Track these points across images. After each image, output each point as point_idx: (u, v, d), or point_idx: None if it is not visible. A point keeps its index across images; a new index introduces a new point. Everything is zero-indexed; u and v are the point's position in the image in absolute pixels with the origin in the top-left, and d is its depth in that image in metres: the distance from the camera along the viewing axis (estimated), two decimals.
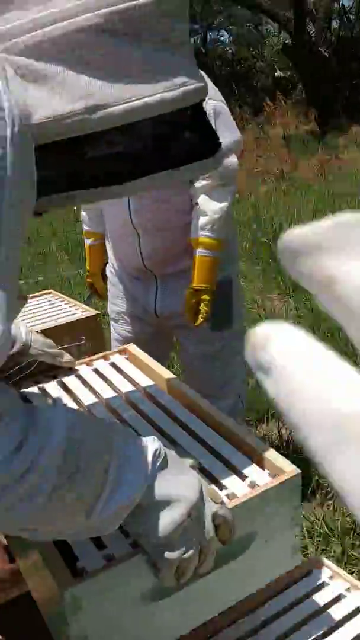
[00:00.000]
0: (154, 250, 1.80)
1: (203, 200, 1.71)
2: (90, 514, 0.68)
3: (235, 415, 2.06)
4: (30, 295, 1.69)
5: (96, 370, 1.16)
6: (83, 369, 1.17)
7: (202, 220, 1.71)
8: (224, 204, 1.71)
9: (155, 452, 0.73)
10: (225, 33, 19.53)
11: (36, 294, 1.77)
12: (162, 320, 1.93)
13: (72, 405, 1.06)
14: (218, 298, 1.83)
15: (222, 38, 19.69)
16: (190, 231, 1.76)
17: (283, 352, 0.21)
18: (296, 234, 0.20)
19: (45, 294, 1.79)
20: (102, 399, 1.07)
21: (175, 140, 0.75)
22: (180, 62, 0.70)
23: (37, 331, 1.42)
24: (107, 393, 1.08)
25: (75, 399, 1.08)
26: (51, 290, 1.83)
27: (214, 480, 0.85)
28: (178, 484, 0.72)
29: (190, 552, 0.71)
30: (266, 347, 0.21)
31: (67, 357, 1.15)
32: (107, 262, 2.02)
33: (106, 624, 0.73)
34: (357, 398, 0.19)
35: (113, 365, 1.17)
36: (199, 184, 1.70)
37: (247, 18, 17.38)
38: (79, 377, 1.15)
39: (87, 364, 1.18)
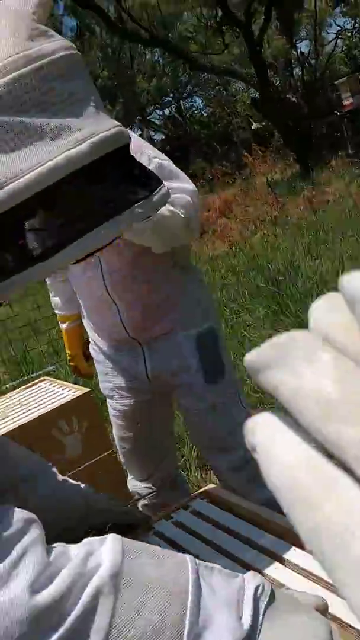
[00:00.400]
0: (136, 318, 1.81)
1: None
2: None
3: (249, 467, 2.06)
4: (24, 386, 1.77)
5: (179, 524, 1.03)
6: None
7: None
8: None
9: (257, 589, 0.56)
10: (198, 99, 20.38)
11: (30, 383, 1.84)
12: (155, 384, 1.96)
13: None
14: (207, 350, 1.85)
15: (195, 104, 20.55)
16: (172, 286, 1.80)
17: (263, 439, 0.27)
18: (250, 356, 0.27)
19: (39, 381, 1.86)
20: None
21: (105, 190, 0.70)
22: (83, 117, 0.68)
23: (32, 418, 1.48)
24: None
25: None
26: (45, 377, 1.90)
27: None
28: (295, 633, 0.53)
29: None
30: (254, 433, 0.27)
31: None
32: (87, 342, 2.02)
33: None
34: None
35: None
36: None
37: (215, 81, 18.17)
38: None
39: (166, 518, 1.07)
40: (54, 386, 1.78)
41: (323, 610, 0.58)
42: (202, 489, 1.16)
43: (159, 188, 0.73)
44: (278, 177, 10.07)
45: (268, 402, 3.15)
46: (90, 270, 1.77)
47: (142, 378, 1.91)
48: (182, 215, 1.61)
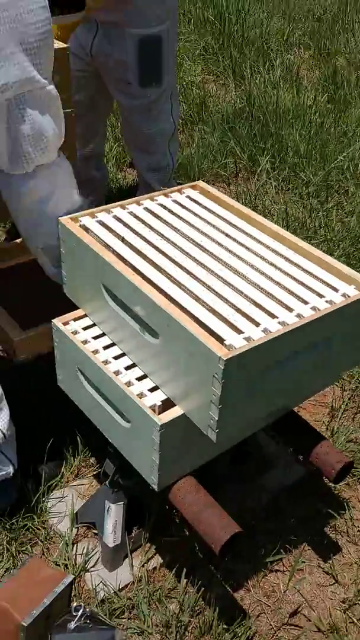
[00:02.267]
0: None
1: None
2: None
3: (165, 171, 2.47)
4: None
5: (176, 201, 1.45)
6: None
7: None
8: None
9: None
10: None
11: None
12: (96, 62, 2.21)
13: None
14: (146, 55, 2.12)
15: None
16: None
17: None
18: None
19: None
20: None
21: None
22: None
23: None
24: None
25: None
26: None
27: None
28: None
29: None
30: None
31: None
32: None
33: None
34: None
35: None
36: None
37: None
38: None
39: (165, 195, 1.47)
40: None
41: None
42: (192, 183, 1.53)
43: None
44: None
45: None
46: None
47: (87, 50, 2.17)
48: None
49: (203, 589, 1.46)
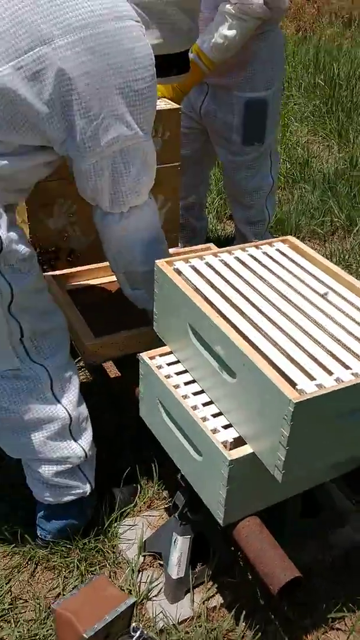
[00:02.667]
0: None
1: (218, 19, 2.06)
2: None
3: (261, 224, 2.59)
4: None
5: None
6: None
7: (207, 35, 2.10)
8: (231, 33, 2.06)
9: None
10: None
11: None
12: (205, 121, 2.39)
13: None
14: (251, 116, 2.26)
15: None
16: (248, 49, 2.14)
17: None
18: None
19: None
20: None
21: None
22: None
23: None
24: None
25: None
26: None
27: None
28: None
29: None
30: None
31: None
32: None
33: None
34: None
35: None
36: (228, 5, 2.04)
37: None
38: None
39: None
40: None
41: None
42: (283, 237, 1.63)
43: None
44: None
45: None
46: None
47: (197, 110, 2.35)
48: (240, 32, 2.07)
49: (260, 634, 1.47)
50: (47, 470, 1.55)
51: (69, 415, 1.53)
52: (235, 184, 2.51)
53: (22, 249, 1.38)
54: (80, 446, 1.56)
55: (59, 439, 1.53)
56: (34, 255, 1.46)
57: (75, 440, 1.56)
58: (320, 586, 1.60)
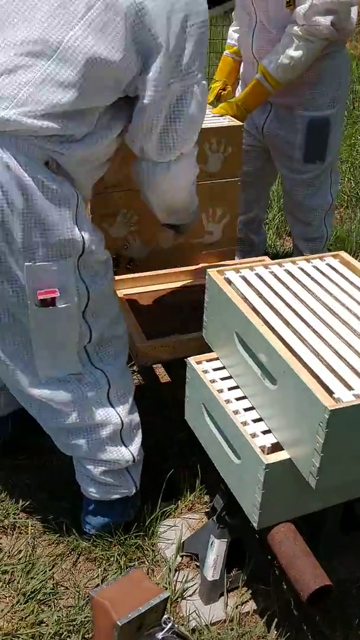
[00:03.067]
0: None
1: (286, 41, 2.10)
2: None
3: (319, 242, 2.61)
4: None
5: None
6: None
7: (274, 55, 2.13)
8: (298, 54, 2.08)
9: None
10: None
11: None
12: (267, 141, 2.44)
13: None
14: (314, 135, 2.29)
15: None
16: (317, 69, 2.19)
17: None
18: None
19: None
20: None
21: None
22: None
23: None
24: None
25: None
26: None
27: None
28: None
29: None
30: None
31: None
32: (238, 79, 2.51)
33: None
34: None
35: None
36: (296, 27, 2.08)
37: None
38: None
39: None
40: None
41: None
42: (334, 252, 1.66)
43: None
44: None
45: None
46: (246, 26, 2.26)
47: (259, 129, 2.40)
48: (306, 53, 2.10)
49: None
50: (95, 468, 1.62)
51: (122, 421, 1.59)
52: (294, 201, 2.54)
53: (101, 251, 1.45)
54: (130, 451, 1.62)
55: (110, 443, 1.60)
56: (110, 258, 1.52)
57: (126, 446, 1.62)
58: (355, 602, 1.59)
